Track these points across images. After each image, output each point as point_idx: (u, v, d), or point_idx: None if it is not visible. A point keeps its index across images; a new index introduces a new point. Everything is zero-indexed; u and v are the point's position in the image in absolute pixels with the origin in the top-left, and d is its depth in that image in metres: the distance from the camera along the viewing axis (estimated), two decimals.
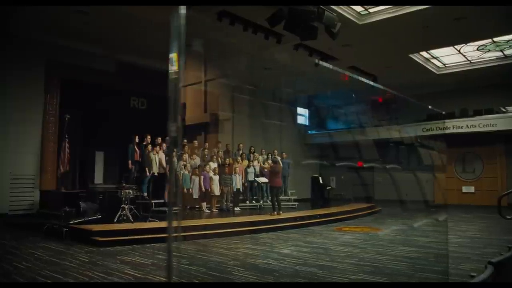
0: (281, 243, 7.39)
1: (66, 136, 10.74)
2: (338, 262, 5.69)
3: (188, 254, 6.18)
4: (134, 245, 6.82)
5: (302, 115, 21.15)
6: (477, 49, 13.09)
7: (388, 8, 10.30)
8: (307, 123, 21.33)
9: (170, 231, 1.85)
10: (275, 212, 10.03)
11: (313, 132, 21.03)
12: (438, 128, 16.23)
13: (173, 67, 1.88)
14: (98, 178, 13.50)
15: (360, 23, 10.75)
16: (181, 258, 5.86)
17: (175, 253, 6.26)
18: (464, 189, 17.04)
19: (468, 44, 12.69)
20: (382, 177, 19.82)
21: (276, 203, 10.12)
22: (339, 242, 7.46)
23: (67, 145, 10.75)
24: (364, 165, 19.28)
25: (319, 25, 8.85)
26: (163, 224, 8.07)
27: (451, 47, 13.13)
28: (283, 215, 10.02)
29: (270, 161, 12.48)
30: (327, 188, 14.95)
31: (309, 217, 10.30)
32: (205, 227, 8.21)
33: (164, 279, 4.75)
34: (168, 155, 10.70)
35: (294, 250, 6.66)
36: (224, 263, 5.57)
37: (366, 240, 7.77)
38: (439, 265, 5.52)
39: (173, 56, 1.90)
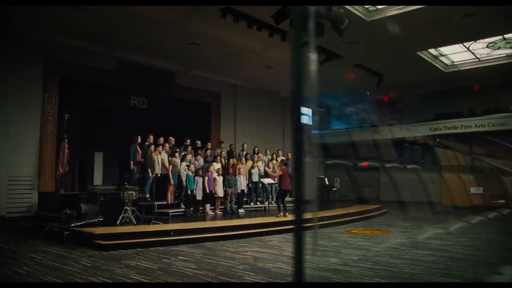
0: (290, 246, 7.23)
1: (65, 136, 10.60)
2: (351, 266, 5.54)
3: (195, 258, 6.03)
4: (138, 249, 6.67)
5: (305, 115, 20.97)
6: (487, 46, 12.98)
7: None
8: (310, 123, 21.16)
9: (299, 222, 1.64)
10: (281, 214, 9.89)
11: (317, 132, 20.87)
12: (445, 128, 16.09)
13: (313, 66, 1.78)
14: (98, 179, 13.36)
15: (368, 19, 10.62)
16: (188, 262, 5.72)
17: (180, 257, 6.14)
18: (472, 190, 16.88)
19: (477, 41, 12.57)
20: (388, 178, 19.69)
21: (282, 205, 9.99)
22: (350, 245, 7.32)
23: (66, 145, 10.60)
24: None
25: (326, 21, 8.72)
26: (167, 226, 7.96)
27: (460, 44, 13.01)
28: (290, 217, 9.86)
29: (274, 162, 12.40)
30: (333, 189, 14.80)
31: (317, 219, 10.14)
32: (210, 230, 8.07)
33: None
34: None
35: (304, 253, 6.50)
36: (233, 268, 5.42)
37: (377, 242, 7.64)
38: (457, 269, 5.37)
39: (312, 55, 1.79)
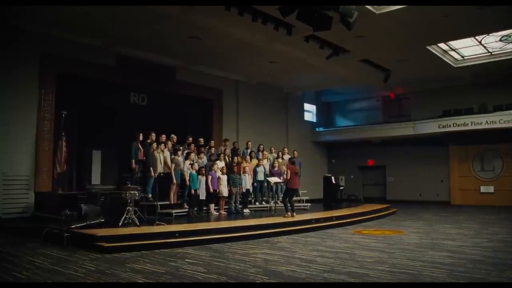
0: (300, 247, 7.11)
1: (63, 134, 10.44)
2: (368, 269, 5.41)
3: (203, 261, 5.90)
4: (143, 251, 6.53)
5: (310, 112, 20.86)
6: (500, 40, 12.83)
7: None
8: (314, 120, 21.05)
9: None
10: (289, 214, 9.76)
11: (321, 129, 20.77)
12: (455, 125, 15.95)
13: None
14: (95, 178, 13.19)
15: (378, 12, 10.44)
16: (196, 266, 5.58)
17: (187, 259, 6.00)
18: (483, 189, 16.77)
19: (490, 34, 12.42)
20: (394, 177, 19.57)
21: (289, 205, 9.86)
22: (362, 247, 7.19)
23: (64, 143, 10.44)
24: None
25: (334, 14, 8.56)
26: (171, 227, 7.81)
27: (471, 38, 12.85)
28: (297, 217, 9.75)
29: (280, 160, 12.27)
30: (340, 188, 14.68)
31: (325, 219, 10.04)
32: (216, 231, 7.93)
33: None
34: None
35: (316, 255, 6.37)
36: (244, 271, 5.28)
37: (391, 244, 7.50)
38: (480, 272, 5.23)
39: None
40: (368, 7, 10.21)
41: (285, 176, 10.49)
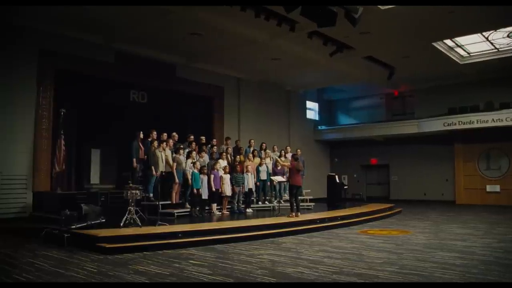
0: (306, 248, 7.04)
1: (62, 132, 10.36)
2: (377, 270, 5.34)
3: (207, 262, 5.82)
4: (145, 252, 6.45)
5: (312, 110, 20.77)
6: (508, 36, 12.75)
7: None
8: (317, 118, 20.96)
9: None
10: (293, 214, 9.68)
11: (323, 127, 20.69)
12: (460, 123, 15.87)
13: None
14: (94, 178, 13.14)
15: (383, 8, 10.36)
16: (201, 267, 5.51)
17: (191, 261, 5.92)
18: (489, 188, 16.71)
19: (498, 30, 12.33)
20: (398, 176, 19.50)
21: (295, 204, 9.78)
22: (369, 247, 7.11)
23: (62, 142, 10.36)
24: None
25: (339, 10, 8.47)
26: (174, 228, 7.74)
27: (478, 34, 12.78)
28: (302, 217, 9.68)
29: (283, 159, 12.19)
30: (345, 187, 14.61)
31: (330, 219, 9.97)
32: (220, 231, 7.85)
33: None
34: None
35: (324, 256, 6.30)
36: (251, 272, 5.20)
37: (398, 244, 7.42)
38: (492, 274, 5.16)
39: None
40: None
41: (285, 165, 10.48)
